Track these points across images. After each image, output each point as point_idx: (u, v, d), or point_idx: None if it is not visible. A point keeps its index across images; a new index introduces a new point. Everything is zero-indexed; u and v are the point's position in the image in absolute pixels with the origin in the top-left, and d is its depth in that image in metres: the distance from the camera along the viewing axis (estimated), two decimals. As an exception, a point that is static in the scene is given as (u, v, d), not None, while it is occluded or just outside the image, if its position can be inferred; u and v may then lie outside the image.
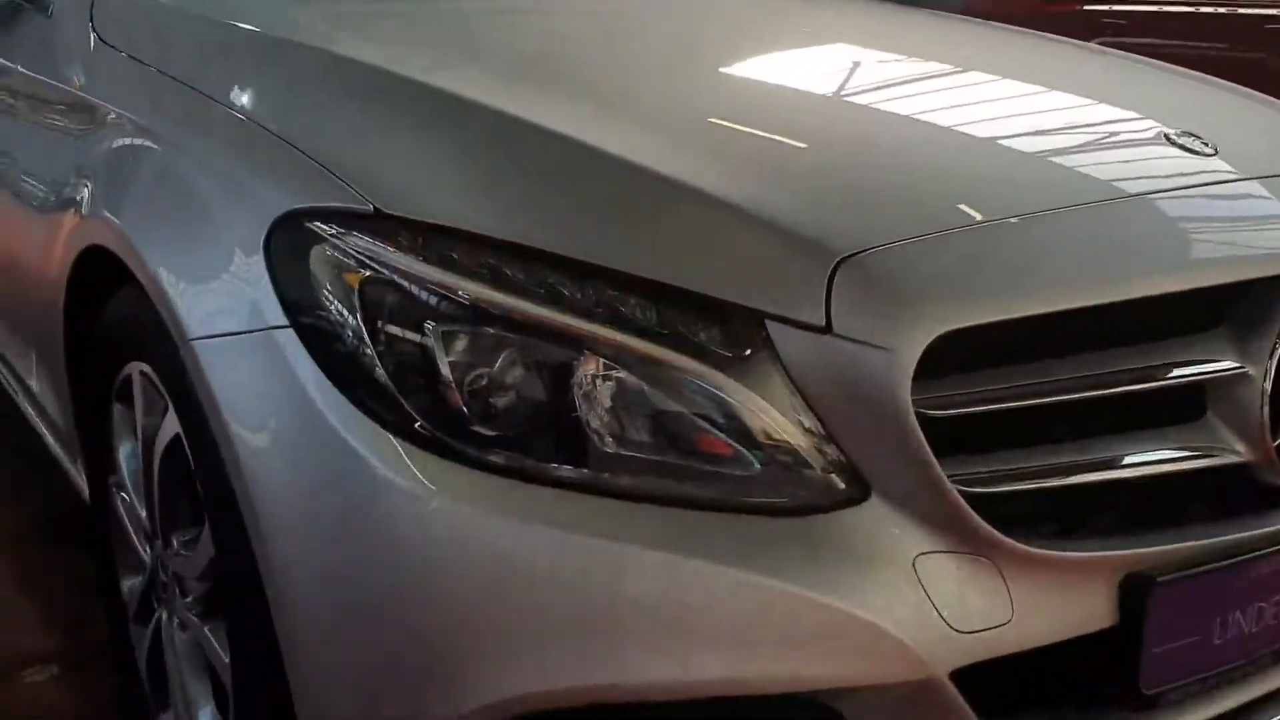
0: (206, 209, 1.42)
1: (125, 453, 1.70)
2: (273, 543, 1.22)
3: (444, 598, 1.16)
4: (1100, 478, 1.25)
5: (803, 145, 1.44)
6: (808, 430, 1.18)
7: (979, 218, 1.26)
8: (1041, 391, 1.22)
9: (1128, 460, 1.27)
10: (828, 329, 1.16)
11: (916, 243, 1.21)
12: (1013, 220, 1.27)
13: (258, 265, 1.28)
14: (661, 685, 1.14)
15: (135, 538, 1.71)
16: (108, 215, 1.57)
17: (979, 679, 1.20)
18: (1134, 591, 1.25)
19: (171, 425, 1.46)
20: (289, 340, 1.24)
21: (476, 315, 1.19)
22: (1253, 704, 1.39)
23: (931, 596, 1.17)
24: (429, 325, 1.18)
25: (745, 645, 1.15)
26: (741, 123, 1.49)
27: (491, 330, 1.19)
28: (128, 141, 1.66)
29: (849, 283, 1.17)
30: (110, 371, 1.67)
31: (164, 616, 1.64)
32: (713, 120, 1.50)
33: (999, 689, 1.23)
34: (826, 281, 1.17)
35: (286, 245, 1.28)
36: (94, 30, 1.92)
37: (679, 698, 1.15)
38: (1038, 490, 1.22)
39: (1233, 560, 1.30)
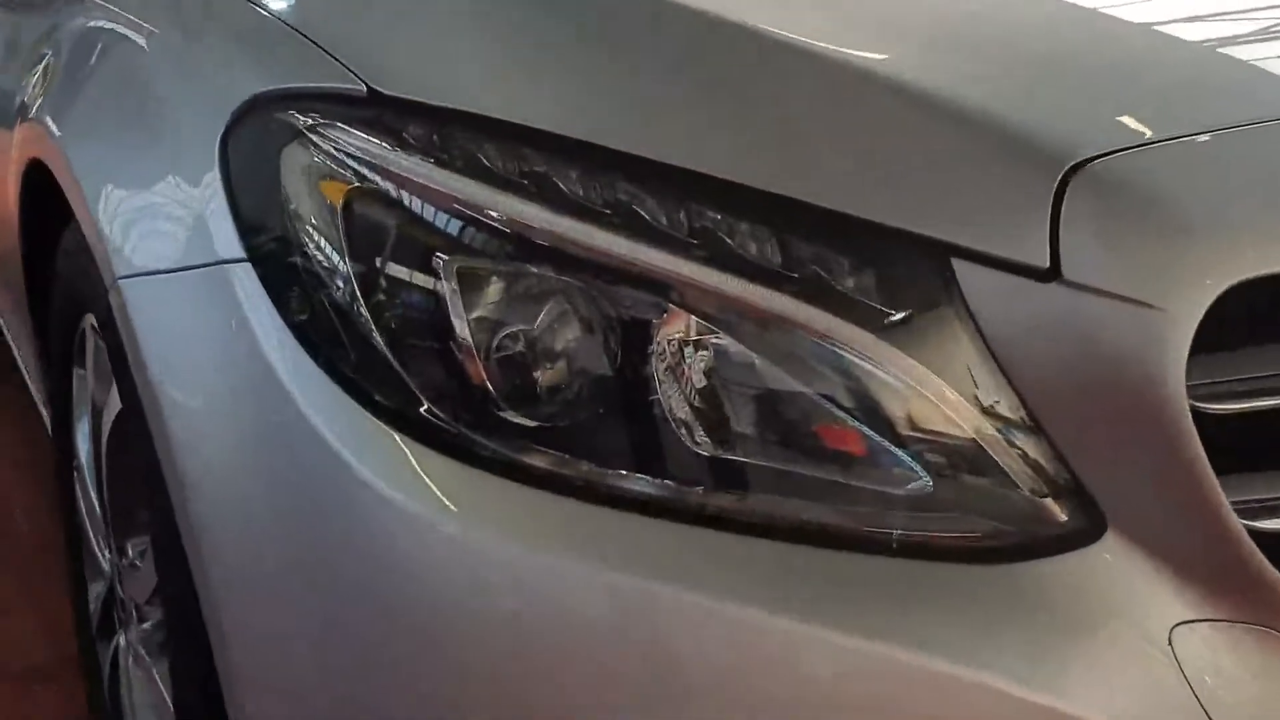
0: (159, 105, 1.04)
1: (82, 430, 1.34)
2: (215, 566, 0.85)
3: (457, 666, 0.77)
4: None
5: (1005, 20, 1.01)
6: (1013, 427, 0.77)
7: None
8: None
9: None
10: (1054, 274, 0.75)
11: (1191, 143, 0.79)
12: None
13: (211, 176, 0.90)
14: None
15: (95, 538, 1.35)
16: (47, 120, 1.21)
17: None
18: None
19: (117, 396, 1.09)
20: (245, 279, 0.85)
21: (515, 247, 0.80)
22: None
23: (1197, 691, 0.76)
24: (441, 261, 0.79)
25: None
26: None
27: (536, 270, 0.80)
28: (88, 25, 1.29)
29: (1089, 203, 0.75)
30: (69, 325, 1.31)
31: (122, 642, 1.28)
32: None
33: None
34: (1053, 200, 0.75)
35: (249, 145, 0.89)
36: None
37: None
38: None
39: None
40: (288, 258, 0.84)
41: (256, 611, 0.84)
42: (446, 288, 0.79)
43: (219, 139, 0.91)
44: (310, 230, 0.84)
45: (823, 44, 0.86)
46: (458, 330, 0.79)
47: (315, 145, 0.85)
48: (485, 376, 0.78)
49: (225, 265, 0.87)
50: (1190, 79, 0.89)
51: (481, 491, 0.77)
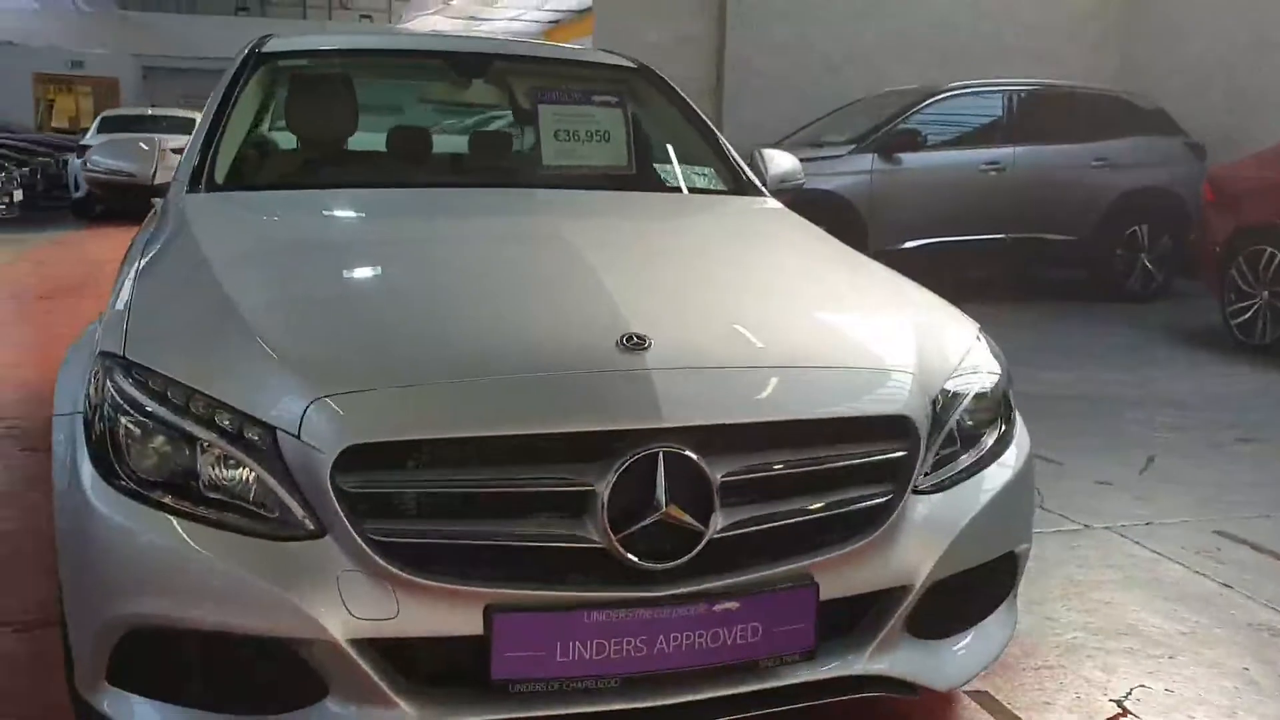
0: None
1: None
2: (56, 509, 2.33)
3: (98, 562, 2.18)
4: (481, 543, 2.10)
5: (350, 318, 2.45)
6: (293, 495, 2.11)
7: (419, 376, 2.19)
8: (441, 483, 2.10)
9: (504, 532, 2.10)
10: (298, 437, 2.10)
11: (356, 393, 2.14)
12: (428, 385, 2.17)
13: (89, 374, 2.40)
14: (204, 621, 2.11)
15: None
16: None
17: (394, 649, 2.09)
18: (488, 615, 2.08)
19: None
20: (79, 422, 2.33)
21: (152, 418, 2.21)
22: (606, 715, 2.15)
23: (343, 594, 2.07)
24: (127, 418, 2.22)
25: (257, 610, 2.09)
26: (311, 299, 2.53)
27: (154, 425, 2.21)
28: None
29: (315, 411, 2.11)
30: None
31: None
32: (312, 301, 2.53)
33: (406, 658, 2.11)
34: (304, 409, 2.11)
35: (96, 365, 2.38)
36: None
37: (216, 630, 2.11)
38: (429, 543, 2.08)
39: (571, 608, 2.09)
40: (93, 413, 2.30)
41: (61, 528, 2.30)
42: (128, 430, 2.22)
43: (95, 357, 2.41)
44: (100, 407, 2.29)
45: (264, 341, 2.27)
46: (125, 445, 2.21)
47: (110, 375, 2.31)
48: (130, 461, 2.19)
49: (75, 414, 2.35)
50: (431, 341, 2.27)
51: (120, 499, 2.18)
